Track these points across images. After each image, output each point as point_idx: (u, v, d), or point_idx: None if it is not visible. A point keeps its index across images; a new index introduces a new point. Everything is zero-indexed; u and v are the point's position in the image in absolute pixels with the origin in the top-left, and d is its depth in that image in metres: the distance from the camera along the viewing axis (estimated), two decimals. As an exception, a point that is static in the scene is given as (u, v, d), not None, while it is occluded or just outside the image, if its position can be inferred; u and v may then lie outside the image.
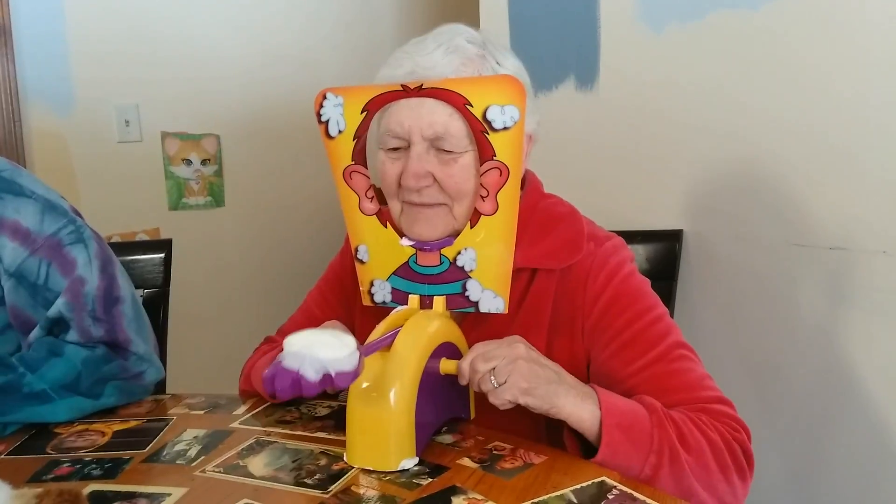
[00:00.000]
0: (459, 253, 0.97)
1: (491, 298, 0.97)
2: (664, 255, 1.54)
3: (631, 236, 1.59)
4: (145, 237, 2.41)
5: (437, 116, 0.93)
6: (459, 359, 0.91)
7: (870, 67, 1.25)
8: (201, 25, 2.50)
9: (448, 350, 0.93)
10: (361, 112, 0.96)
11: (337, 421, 0.99)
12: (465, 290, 0.97)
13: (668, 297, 1.52)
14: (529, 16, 1.82)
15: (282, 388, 0.76)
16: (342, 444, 0.89)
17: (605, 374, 0.99)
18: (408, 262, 1.00)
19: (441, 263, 0.98)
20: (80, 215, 1.14)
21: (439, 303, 0.98)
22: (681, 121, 1.55)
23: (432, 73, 0.94)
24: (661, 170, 1.60)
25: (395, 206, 1.01)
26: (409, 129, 0.94)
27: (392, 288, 1.01)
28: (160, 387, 1.21)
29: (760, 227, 1.44)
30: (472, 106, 0.91)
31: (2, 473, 0.88)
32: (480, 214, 0.95)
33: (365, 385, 0.86)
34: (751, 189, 1.45)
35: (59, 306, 1.06)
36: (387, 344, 0.89)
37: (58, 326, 1.07)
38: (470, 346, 0.96)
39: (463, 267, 0.97)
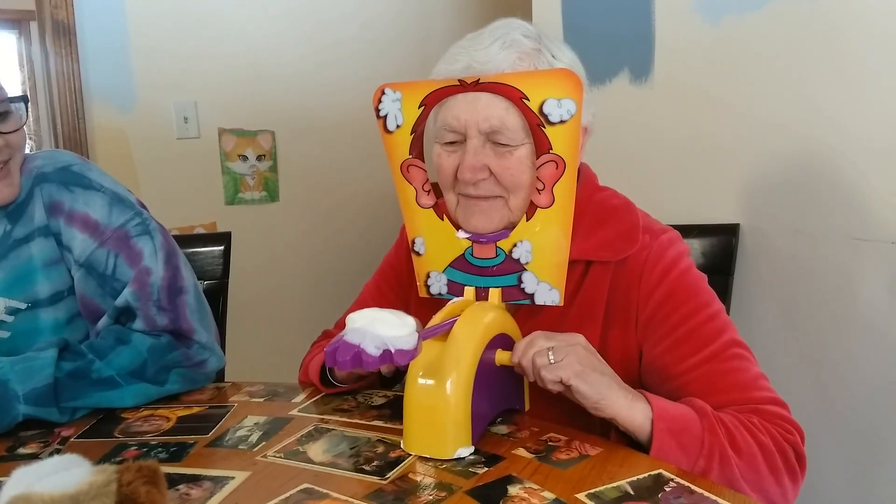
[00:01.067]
0: (515, 245, 0.98)
1: (546, 291, 0.97)
2: (720, 249, 1.51)
3: (687, 230, 1.57)
4: (202, 231, 2.47)
5: (494, 110, 0.94)
6: None
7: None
8: (257, 25, 2.55)
9: (503, 342, 0.94)
10: (419, 107, 0.98)
11: (393, 410, 1.00)
12: (520, 282, 0.98)
13: (724, 293, 1.50)
14: (583, 7, 1.80)
15: (343, 361, 0.78)
16: (399, 432, 0.91)
17: (657, 370, 0.98)
18: (464, 254, 1.01)
19: (497, 256, 0.99)
20: (145, 208, 1.18)
21: (495, 295, 0.99)
22: (737, 113, 1.52)
23: (488, 67, 0.95)
24: (718, 163, 1.57)
25: (451, 199, 1.02)
26: (466, 122, 0.95)
27: (448, 280, 1.02)
28: (220, 375, 1.24)
29: (820, 220, 1.40)
30: (528, 100, 0.92)
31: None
32: (536, 207, 0.96)
33: (422, 374, 0.88)
34: (810, 182, 1.41)
35: (126, 296, 1.10)
36: (445, 330, 0.90)
37: (125, 315, 1.11)
38: (523, 330, 0.98)
39: (519, 259, 0.98)
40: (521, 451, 0.87)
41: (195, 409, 1.07)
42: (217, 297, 1.56)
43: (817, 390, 1.44)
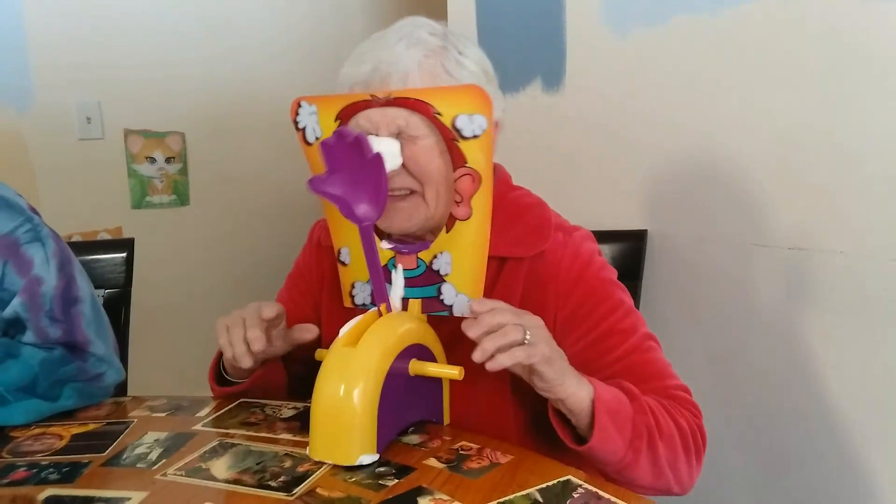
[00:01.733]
0: (436, 257, 0.99)
1: (465, 303, 0.98)
2: (629, 254, 1.55)
3: (597, 236, 1.60)
4: (107, 236, 2.37)
5: (400, 112, 0.94)
6: (433, 361, 0.93)
7: (825, 68, 1.27)
8: (167, 21, 2.46)
9: (420, 352, 0.93)
10: (335, 120, 0.97)
11: (302, 422, 0.98)
12: (440, 293, 0.99)
13: (633, 296, 1.53)
14: (497, 18, 1.82)
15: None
16: (308, 445, 0.89)
17: (581, 364, 0.99)
18: (387, 264, 1.00)
19: (418, 267, 0.99)
20: (37, 213, 1.11)
21: (415, 305, 0.98)
22: (645, 123, 1.56)
23: (395, 67, 0.95)
24: (627, 171, 1.62)
25: None
26: (377, 123, 0.95)
27: (372, 290, 1.01)
28: (120, 389, 1.18)
29: (722, 227, 1.46)
30: (441, 115, 0.92)
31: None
32: (455, 219, 0.97)
33: (330, 378, 0.87)
34: (711, 190, 1.47)
35: (14, 306, 1.04)
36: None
37: (13, 327, 1.05)
38: (443, 341, 0.98)
39: (438, 271, 0.98)
40: (433, 462, 0.86)
41: (91, 426, 1.01)
42: (119, 306, 1.49)
43: (717, 389, 1.50)
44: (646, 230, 1.57)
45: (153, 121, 2.47)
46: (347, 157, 0.90)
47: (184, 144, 2.53)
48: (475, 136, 0.92)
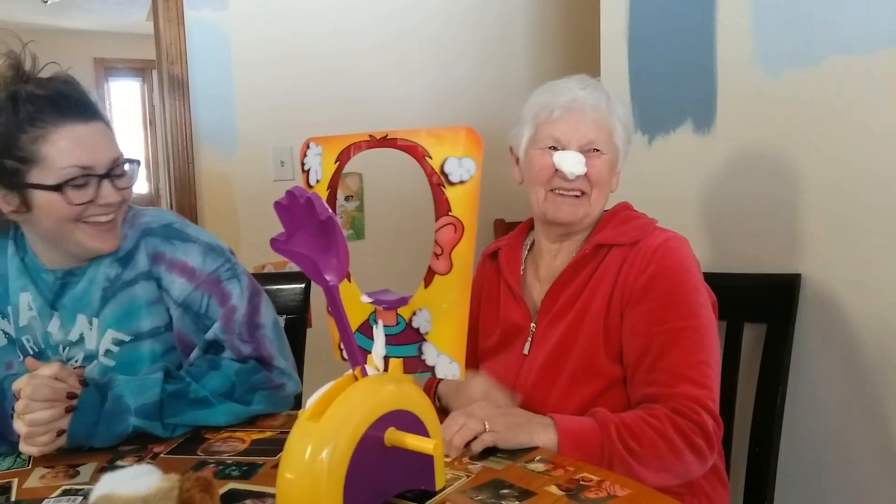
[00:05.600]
0: (415, 314, 0.91)
1: (447, 364, 0.90)
2: (781, 298, 1.52)
3: (748, 279, 1.59)
4: (295, 267, 2.64)
5: (589, 132, 1.27)
6: (419, 428, 0.86)
7: None
8: (349, 77, 2.74)
9: (401, 419, 0.85)
10: (335, 162, 0.94)
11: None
12: (421, 353, 0.92)
13: (783, 342, 1.50)
14: (649, 61, 1.86)
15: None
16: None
17: (630, 327, 1.21)
18: (368, 319, 0.95)
19: (398, 324, 0.92)
20: (234, 254, 1.33)
21: (395, 366, 0.90)
22: (797, 165, 1.53)
23: (588, 102, 1.26)
24: (778, 213, 1.59)
25: (539, 193, 1.30)
26: (569, 138, 1.26)
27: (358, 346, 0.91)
28: (297, 400, 1.36)
29: (877, 272, 1.40)
30: (430, 157, 0.88)
31: (160, 468, 1.06)
32: (435, 273, 0.90)
33: (290, 459, 0.81)
34: (868, 233, 1.41)
35: (214, 330, 1.25)
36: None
37: (213, 347, 1.26)
38: (546, 314, 1.27)
39: (419, 329, 0.91)
40: (553, 489, 0.93)
41: (267, 433, 1.19)
42: (297, 330, 1.69)
43: (880, 442, 1.43)
44: (799, 274, 1.54)
45: (336, 163, 2.73)
46: (304, 217, 0.78)
47: (361, 184, 2.78)
48: (462, 182, 0.86)
